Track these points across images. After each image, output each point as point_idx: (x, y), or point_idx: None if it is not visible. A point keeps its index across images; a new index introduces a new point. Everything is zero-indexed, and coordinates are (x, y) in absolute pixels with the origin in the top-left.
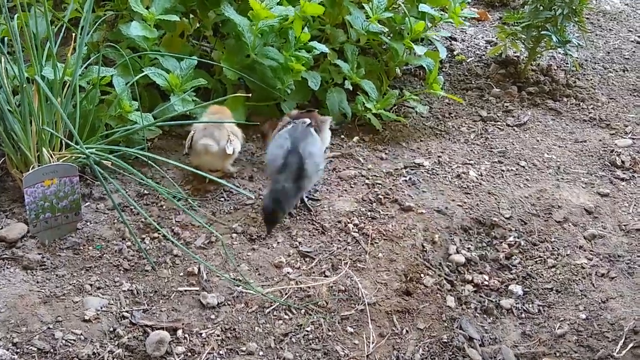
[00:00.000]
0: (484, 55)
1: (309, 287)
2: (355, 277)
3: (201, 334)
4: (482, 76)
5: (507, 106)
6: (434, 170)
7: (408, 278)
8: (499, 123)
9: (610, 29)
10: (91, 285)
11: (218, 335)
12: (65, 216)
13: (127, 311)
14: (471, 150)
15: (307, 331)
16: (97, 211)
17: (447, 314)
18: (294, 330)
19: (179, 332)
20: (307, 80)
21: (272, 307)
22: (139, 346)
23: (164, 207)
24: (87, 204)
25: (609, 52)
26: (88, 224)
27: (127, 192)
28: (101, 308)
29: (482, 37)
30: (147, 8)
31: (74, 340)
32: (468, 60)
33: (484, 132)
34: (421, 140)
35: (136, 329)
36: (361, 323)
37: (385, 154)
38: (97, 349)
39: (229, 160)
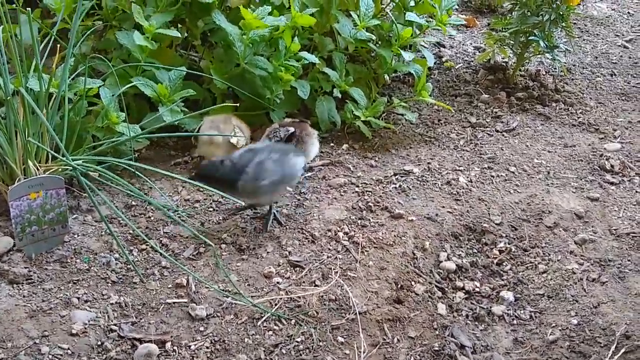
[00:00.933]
0: (472, 61)
1: (299, 297)
2: (345, 286)
3: (190, 346)
4: (471, 82)
5: (496, 112)
6: (424, 177)
7: (399, 286)
8: (488, 129)
9: (597, 34)
10: (78, 298)
11: (207, 348)
12: (52, 229)
13: (115, 324)
14: (461, 157)
15: (298, 342)
16: (85, 223)
17: (438, 322)
18: (284, 341)
19: (168, 345)
20: (296, 89)
21: (262, 318)
22: None
23: (152, 218)
24: (74, 216)
25: (596, 57)
26: (75, 236)
27: (114, 203)
28: (89, 321)
29: (471, 44)
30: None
31: (61, 355)
32: (457, 67)
33: (473, 138)
34: (410, 147)
35: (124, 343)
36: (352, 333)
37: (375, 161)
38: None
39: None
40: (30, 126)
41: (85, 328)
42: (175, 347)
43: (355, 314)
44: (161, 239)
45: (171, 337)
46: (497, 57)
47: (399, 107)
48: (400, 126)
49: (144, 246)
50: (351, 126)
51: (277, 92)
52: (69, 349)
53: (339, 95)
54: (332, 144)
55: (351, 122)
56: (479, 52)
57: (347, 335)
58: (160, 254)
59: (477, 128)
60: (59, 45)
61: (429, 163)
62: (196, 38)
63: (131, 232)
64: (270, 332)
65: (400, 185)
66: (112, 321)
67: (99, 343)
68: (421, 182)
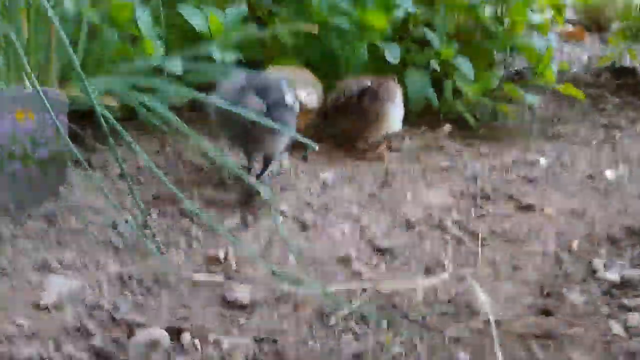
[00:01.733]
0: (590, 66)
1: (393, 292)
2: (467, 284)
3: (221, 342)
4: (593, 85)
5: (632, 115)
6: (555, 169)
7: (545, 292)
8: (627, 131)
9: None
10: (61, 262)
11: (248, 347)
12: (43, 172)
13: (108, 301)
14: (598, 155)
15: (395, 354)
16: (91, 177)
17: (617, 345)
18: (373, 349)
19: (185, 336)
20: (381, 54)
21: (339, 315)
22: (118, 352)
23: (185, 180)
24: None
25: None
26: (75, 190)
27: (131, 162)
28: (68, 293)
29: (582, 52)
30: None
31: (14, 333)
32: (572, 70)
33: (609, 138)
34: (529, 140)
35: (117, 327)
36: (481, 348)
37: (484, 149)
38: (48, 352)
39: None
40: (33, 41)
41: (61, 300)
42: (195, 340)
43: (487, 323)
44: (195, 202)
45: (191, 325)
46: (624, 62)
47: (514, 91)
48: (515, 117)
49: (167, 208)
50: (449, 112)
51: (361, 51)
52: (28, 326)
53: (437, 68)
54: (424, 127)
55: (451, 105)
56: (594, 60)
57: (474, 352)
58: (196, 214)
59: (611, 129)
60: None
61: (558, 156)
62: (261, 7)
63: (153, 193)
64: (350, 336)
65: (525, 175)
66: (104, 296)
67: (78, 323)
68: (553, 174)
